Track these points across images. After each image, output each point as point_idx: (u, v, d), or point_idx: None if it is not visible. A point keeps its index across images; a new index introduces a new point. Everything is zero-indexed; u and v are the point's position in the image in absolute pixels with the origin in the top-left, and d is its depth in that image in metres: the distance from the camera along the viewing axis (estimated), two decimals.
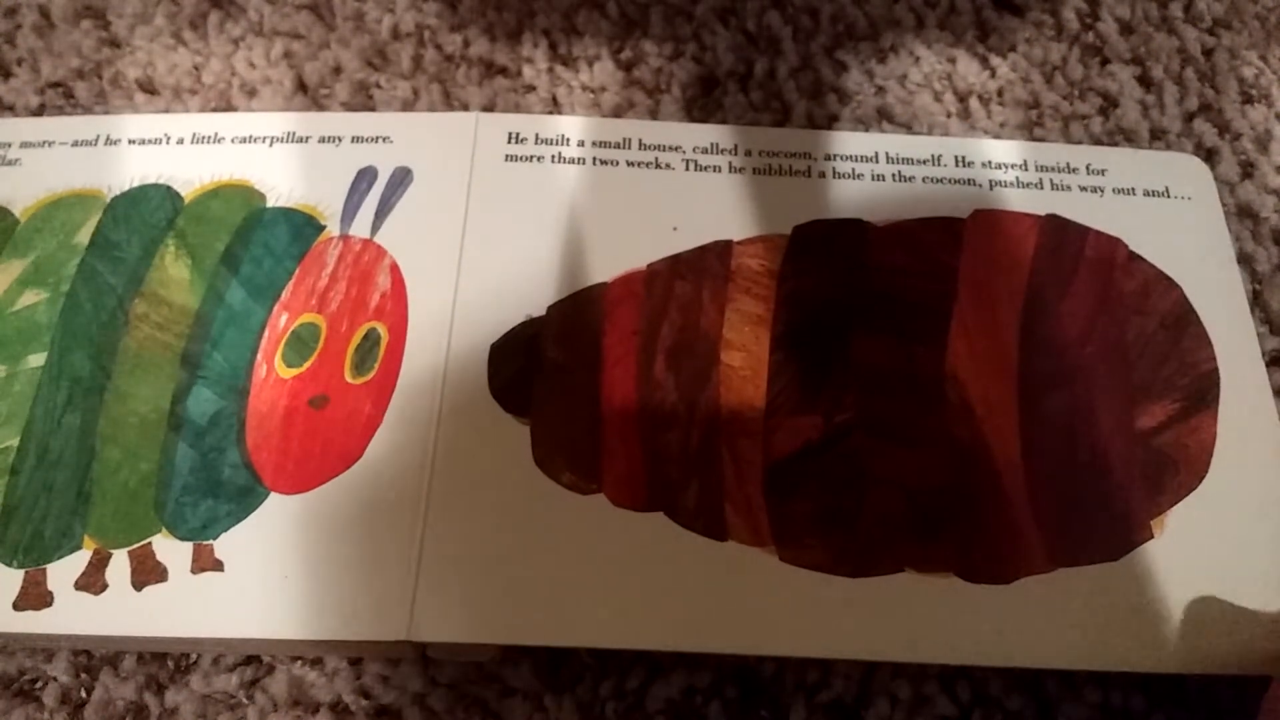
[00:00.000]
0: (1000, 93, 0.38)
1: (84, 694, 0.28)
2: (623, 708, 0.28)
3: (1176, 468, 0.30)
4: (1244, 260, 0.34)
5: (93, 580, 0.28)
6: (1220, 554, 0.29)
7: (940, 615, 0.28)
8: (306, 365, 0.30)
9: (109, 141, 0.34)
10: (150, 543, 0.28)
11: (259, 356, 0.30)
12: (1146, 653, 0.27)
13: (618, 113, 0.37)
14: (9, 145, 0.34)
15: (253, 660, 0.29)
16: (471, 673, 0.29)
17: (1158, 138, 0.37)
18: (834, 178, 0.34)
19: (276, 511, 0.28)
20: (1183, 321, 0.32)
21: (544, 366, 0.31)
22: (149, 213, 0.33)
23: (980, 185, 0.34)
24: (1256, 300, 0.34)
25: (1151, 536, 0.29)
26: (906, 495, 0.29)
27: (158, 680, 0.29)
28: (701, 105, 0.37)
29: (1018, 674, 0.29)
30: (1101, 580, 0.28)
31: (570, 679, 0.29)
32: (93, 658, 0.29)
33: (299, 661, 0.29)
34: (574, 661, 0.29)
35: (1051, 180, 0.34)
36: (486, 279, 0.32)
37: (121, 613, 0.27)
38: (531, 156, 0.34)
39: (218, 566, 0.28)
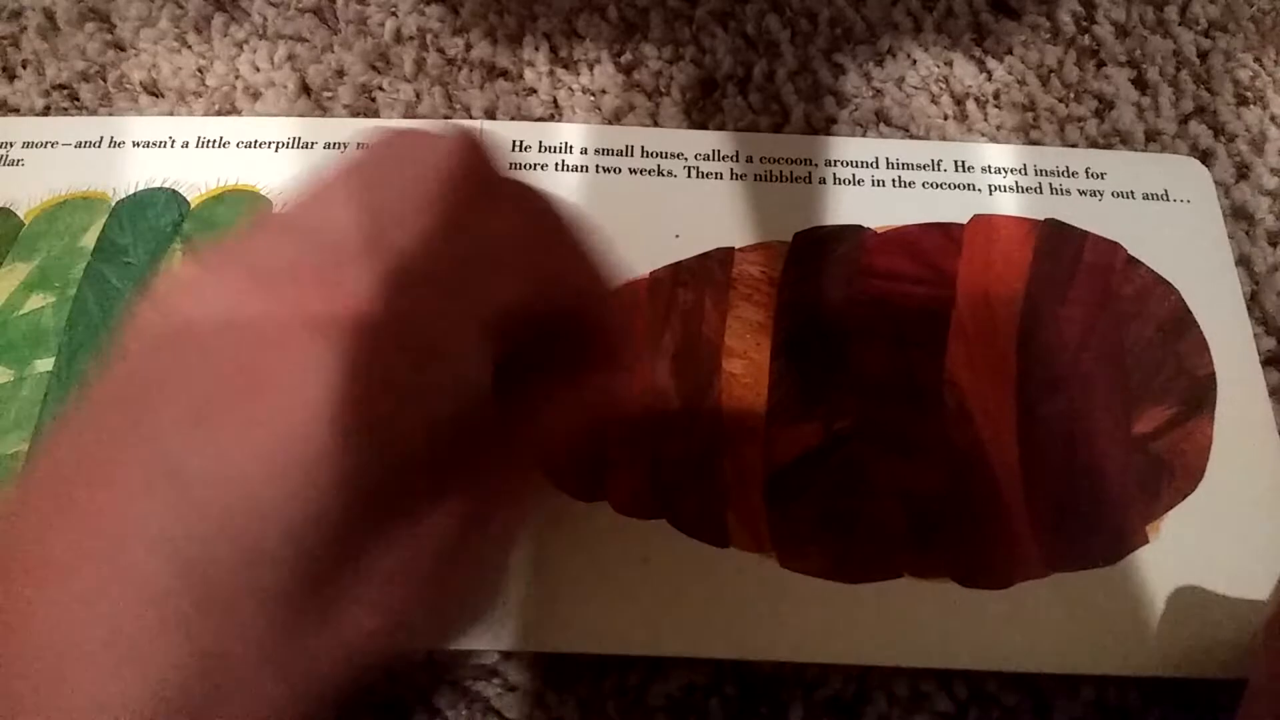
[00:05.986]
0: (997, 95, 0.38)
1: None
2: (624, 704, 0.29)
3: (1172, 472, 0.30)
4: (1240, 262, 0.34)
5: None
6: (1215, 558, 0.29)
7: (938, 620, 0.28)
8: None
9: (113, 144, 0.34)
10: None
11: None
12: (1142, 657, 0.28)
13: (618, 115, 0.37)
14: (11, 145, 0.34)
15: None
16: (474, 669, 0.29)
17: (1153, 139, 0.37)
18: (834, 183, 0.34)
19: None
20: (1180, 326, 0.32)
21: None
22: (155, 217, 0.33)
23: (980, 190, 0.34)
24: (1253, 300, 0.34)
25: (1147, 541, 0.29)
26: (905, 502, 0.29)
27: None
28: (701, 108, 0.37)
29: (1015, 672, 0.29)
30: (1097, 585, 0.29)
31: (571, 676, 0.29)
32: None
33: None
34: (575, 658, 0.29)
35: (1051, 184, 0.35)
36: None
37: None
38: (535, 165, 0.34)
39: None
